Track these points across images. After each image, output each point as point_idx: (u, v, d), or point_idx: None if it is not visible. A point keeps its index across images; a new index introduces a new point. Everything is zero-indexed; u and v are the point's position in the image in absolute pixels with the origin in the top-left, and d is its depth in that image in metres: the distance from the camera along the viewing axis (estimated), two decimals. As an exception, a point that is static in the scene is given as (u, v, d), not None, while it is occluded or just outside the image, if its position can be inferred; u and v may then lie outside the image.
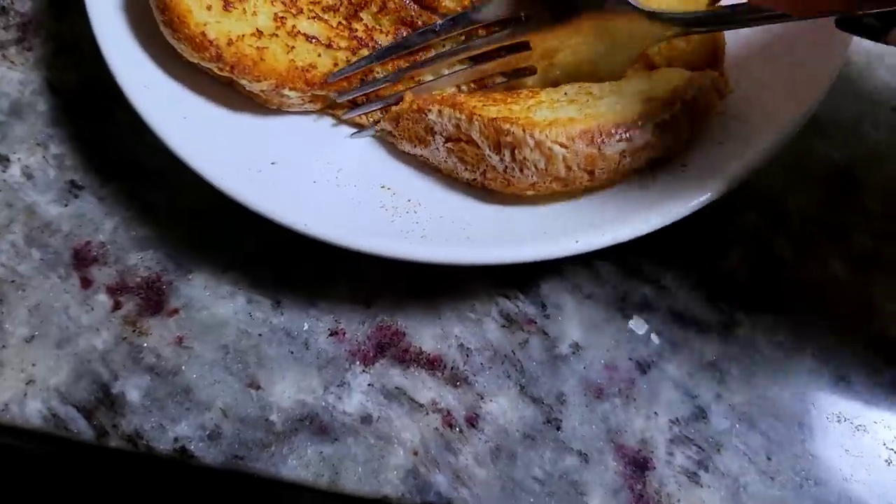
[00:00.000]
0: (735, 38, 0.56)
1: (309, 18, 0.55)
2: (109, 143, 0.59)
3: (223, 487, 0.56)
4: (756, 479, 0.50)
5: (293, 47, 0.54)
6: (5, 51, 0.62)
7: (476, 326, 0.54)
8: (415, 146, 0.54)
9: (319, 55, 0.54)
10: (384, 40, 0.56)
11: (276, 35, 0.54)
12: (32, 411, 0.51)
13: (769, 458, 0.50)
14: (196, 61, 0.53)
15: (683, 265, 0.55)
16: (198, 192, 0.57)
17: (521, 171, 0.50)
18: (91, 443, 0.51)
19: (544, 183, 0.50)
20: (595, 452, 0.50)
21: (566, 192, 0.52)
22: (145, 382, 0.52)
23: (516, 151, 0.50)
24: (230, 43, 0.53)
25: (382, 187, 0.53)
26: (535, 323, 0.54)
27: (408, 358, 0.53)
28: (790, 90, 0.53)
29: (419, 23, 0.57)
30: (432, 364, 0.53)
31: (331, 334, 0.53)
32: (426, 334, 0.53)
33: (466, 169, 0.52)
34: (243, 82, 0.53)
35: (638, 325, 0.54)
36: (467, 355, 0.53)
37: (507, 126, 0.50)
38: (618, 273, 0.55)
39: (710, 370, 0.52)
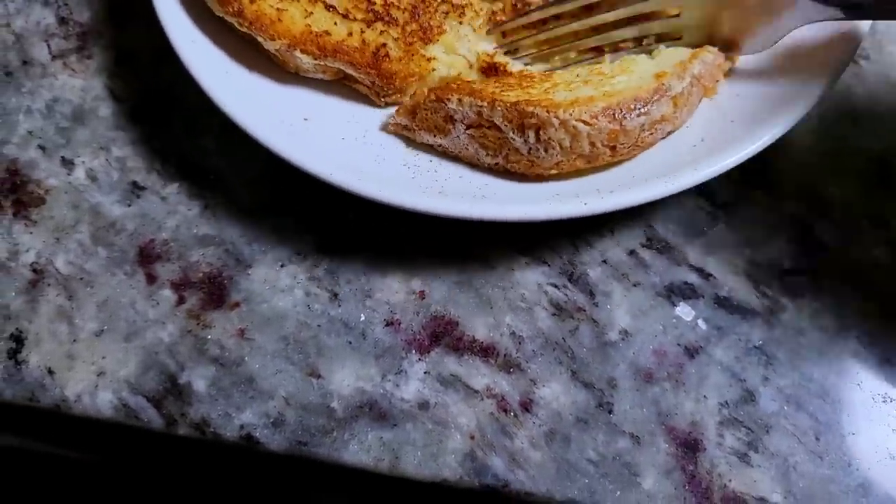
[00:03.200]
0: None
1: None
2: (168, 146, 0.62)
3: (281, 475, 0.58)
4: (805, 459, 0.51)
5: (311, 13, 0.57)
6: (66, 59, 0.65)
7: (527, 315, 0.55)
8: (434, 136, 0.56)
9: (335, 23, 0.57)
10: (400, 16, 0.59)
11: (298, 0, 0.57)
12: (104, 402, 0.54)
13: (817, 439, 0.51)
14: (220, 15, 0.57)
15: (727, 253, 0.57)
16: (254, 191, 0.60)
17: (546, 150, 0.52)
18: (161, 431, 0.53)
19: (569, 161, 0.53)
20: (647, 435, 0.52)
21: (589, 168, 0.54)
22: (210, 373, 0.54)
23: (541, 132, 0.52)
24: (253, 1, 0.56)
25: (407, 147, 0.57)
26: (585, 311, 0.55)
27: (462, 346, 0.54)
28: (800, 74, 0.55)
29: (437, 0, 0.59)
30: (486, 352, 0.54)
31: (387, 324, 0.55)
32: (479, 323, 0.55)
33: (488, 154, 0.54)
34: (260, 40, 0.56)
35: (685, 311, 0.55)
36: (519, 343, 0.54)
37: (530, 108, 0.52)
38: (664, 261, 0.57)
39: (756, 354, 0.54)
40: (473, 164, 0.56)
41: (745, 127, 0.53)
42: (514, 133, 0.52)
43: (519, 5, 0.58)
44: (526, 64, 0.59)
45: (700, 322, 0.55)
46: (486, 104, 0.53)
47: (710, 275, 0.56)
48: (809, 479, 0.50)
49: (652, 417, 0.52)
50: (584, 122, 0.51)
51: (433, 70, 0.57)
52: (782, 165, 0.59)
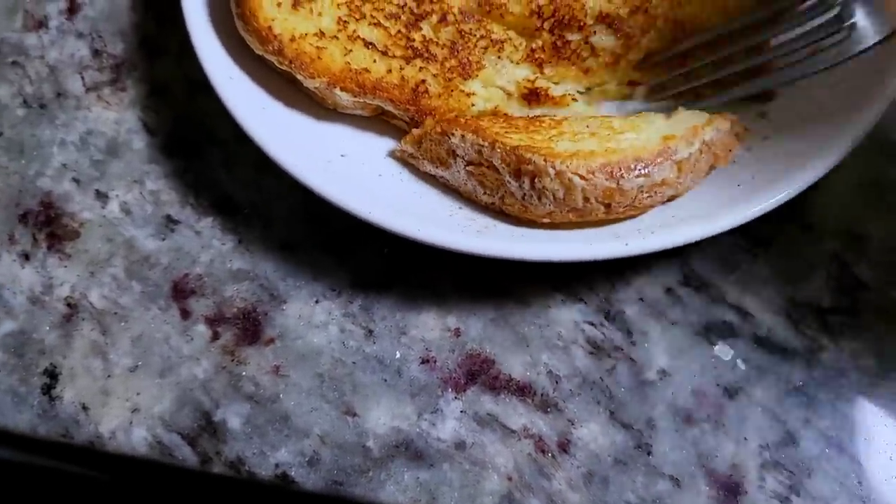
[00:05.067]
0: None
1: (370, 24, 0.59)
2: (202, 180, 0.61)
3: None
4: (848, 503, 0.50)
5: (351, 51, 0.57)
6: (100, 91, 0.65)
7: (564, 354, 0.55)
8: (436, 167, 0.56)
9: (374, 61, 0.57)
10: (439, 52, 0.59)
11: (337, 37, 0.58)
12: (138, 439, 0.53)
13: (860, 483, 0.51)
14: (261, 53, 0.57)
15: (766, 291, 0.56)
16: (288, 226, 0.60)
17: (540, 199, 0.52)
18: (195, 469, 0.53)
19: (560, 212, 0.52)
20: (687, 477, 0.51)
21: (581, 223, 0.53)
22: (245, 410, 0.54)
23: (536, 180, 0.51)
24: (293, 39, 0.56)
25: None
26: (622, 350, 0.55)
27: (498, 385, 0.54)
28: (840, 112, 0.54)
29: (476, 35, 0.59)
30: (522, 391, 0.54)
31: (422, 362, 0.55)
32: (515, 362, 0.55)
33: (486, 193, 0.54)
34: (299, 77, 0.56)
35: (723, 351, 0.55)
36: (556, 382, 0.54)
37: (528, 155, 0.52)
38: (701, 300, 0.56)
39: (797, 395, 0.53)
40: (471, 201, 0.55)
41: (784, 168, 0.53)
42: (510, 177, 0.52)
43: (559, 43, 0.58)
44: (568, 93, 0.59)
45: (739, 362, 0.54)
46: (486, 144, 0.53)
47: (749, 313, 0.56)
48: (853, 524, 0.50)
49: (692, 459, 0.51)
50: (581, 177, 0.51)
51: (472, 105, 0.57)
52: (819, 202, 0.58)
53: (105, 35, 0.67)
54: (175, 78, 0.65)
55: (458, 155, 0.54)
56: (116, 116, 0.64)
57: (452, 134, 0.54)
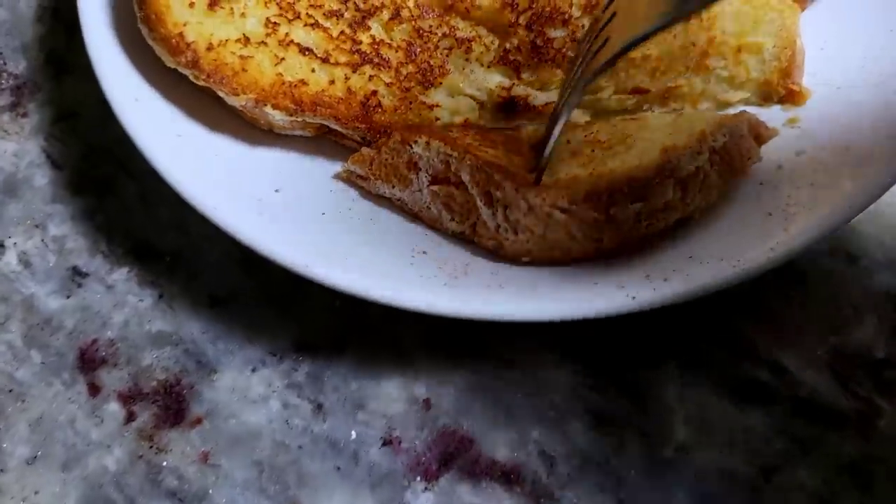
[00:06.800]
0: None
1: (306, 26, 0.50)
2: (116, 222, 0.54)
3: None
4: None
5: (283, 59, 0.49)
6: (-2, 118, 0.56)
7: (559, 428, 0.46)
8: (393, 186, 0.47)
9: (313, 70, 0.49)
10: (393, 56, 0.50)
11: (265, 43, 0.49)
12: (35, 552, 0.44)
13: (935, 585, 0.41)
14: (173, 66, 0.48)
15: (805, 341, 0.48)
16: (218, 275, 0.52)
17: (516, 233, 0.43)
18: (104, 589, 0.43)
19: (540, 251, 0.44)
20: (718, 586, 0.41)
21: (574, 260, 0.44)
22: (166, 511, 0.44)
23: (508, 212, 0.43)
24: (210, 48, 0.48)
25: (403, 219, 0.48)
26: (632, 421, 0.46)
27: (478, 470, 0.46)
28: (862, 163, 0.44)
29: (438, 34, 0.50)
30: (509, 477, 0.45)
31: (384, 444, 0.47)
32: (499, 440, 0.46)
33: (454, 220, 0.46)
34: (221, 95, 0.48)
35: (756, 418, 0.45)
36: (551, 465, 0.45)
37: (499, 178, 0.43)
38: (726, 353, 0.47)
39: (850, 474, 0.44)
40: (434, 229, 0.47)
41: (825, 190, 0.43)
42: (481, 200, 0.44)
43: (539, 41, 0.48)
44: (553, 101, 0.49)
45: (777, 433, 0.45)
46: (455, 154, 0.44)
47: (785, 370, 0.47)
48: None
49: (723, 562, 0.42)
50: (562, 210, 0.42)
51: (436, 119, 0.48)
52: (867, 228, 0.50)
53: (5, 51, 0.59)
54: (86, 100, 0.57)
55: (420, 168, 0.45)
56: (16, 148, 0.56)
57: (415, 142, 0.45)
